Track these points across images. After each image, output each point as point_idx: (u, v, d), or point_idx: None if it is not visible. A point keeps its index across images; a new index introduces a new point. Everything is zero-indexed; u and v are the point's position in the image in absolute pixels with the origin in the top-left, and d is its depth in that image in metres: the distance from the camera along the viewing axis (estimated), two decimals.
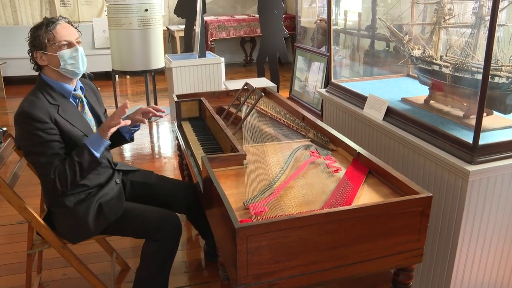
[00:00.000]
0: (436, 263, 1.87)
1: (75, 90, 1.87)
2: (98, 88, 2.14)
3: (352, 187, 1.52)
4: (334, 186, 1.55)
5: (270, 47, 5.32)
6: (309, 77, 5.13)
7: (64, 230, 1.88)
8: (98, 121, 1.97)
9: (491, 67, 1.60)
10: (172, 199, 2.12)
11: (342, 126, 2.57)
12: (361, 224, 1.33)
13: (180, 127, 2.52)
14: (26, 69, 6.29)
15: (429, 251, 1.87)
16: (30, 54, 1.80)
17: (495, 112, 1.97)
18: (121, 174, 2.06)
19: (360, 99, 2.39)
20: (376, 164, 1.61)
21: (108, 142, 1.80)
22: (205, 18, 6.22)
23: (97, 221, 1.85)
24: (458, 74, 1.95)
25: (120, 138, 2.03)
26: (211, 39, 6.88)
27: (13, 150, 2.00)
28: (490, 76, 1.63)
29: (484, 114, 1.67)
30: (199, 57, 4.71)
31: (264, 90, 2.72)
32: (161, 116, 1.97)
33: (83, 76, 1.93)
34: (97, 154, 1.77)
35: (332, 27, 2.77)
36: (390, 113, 2.14)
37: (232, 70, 7.44)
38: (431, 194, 1.38)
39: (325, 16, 5.22)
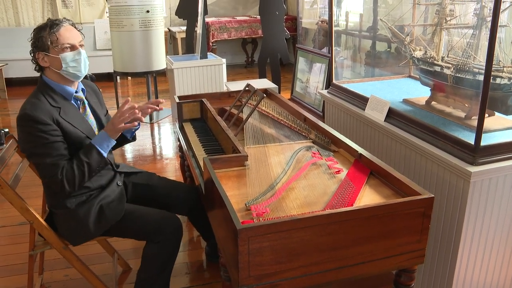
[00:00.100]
0: (438, 264, 1.86)
1: (76, 92, 1.87)
2: (100, 90, 2.14)
3: (354, 188, 1.52)
4: (336, 187, 1.55)
5: (272, 48, 5.32)
6: (310, 78, 5.13)
7: (65, 231, 1.88)
8: (99, 123, 1.97)
9: (492, 68, 1.60)
10: (174, 201, 2.12)
11: (344, 127, 2.57)
12: (363, 225, 1.33)
13: (181, 128, 2.53)
14: (28, 70, 6.28)
15: (431, 252, 1.87)
16: (32, 55, 1.80)
17: (496, 113, 1.97)
18: (122, 176, 2.06)
19: (361, 100, 2.39)
20: (378, 165, 1.60)
21: (115, 141, 1.81)
22: (207, 20, 6.22)
23: (98, 223, 1.85)
24: (459, 75, 1.95)
25: (122, 138, 2.03)
26: (212, 41, 6.89)
27: (15, 151, 2.00)
28: (491, 77, 1.63)
29: (486, 115, 1.66)
30: (201, 58, 4.71)
31: (265, 91, 2.72)
32: (161, 109, 1.94)
33: (85, 77, 1.93)
34: (105, 154, 1.78)
35: (334, 28, 2.78)
36: (392, 114, 2.14)
37: (234, 71, 7.44)
38: (433, 195, 1.37)
39: (326, 17, 5.23)
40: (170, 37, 7.53)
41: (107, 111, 2.10)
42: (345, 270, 1.36)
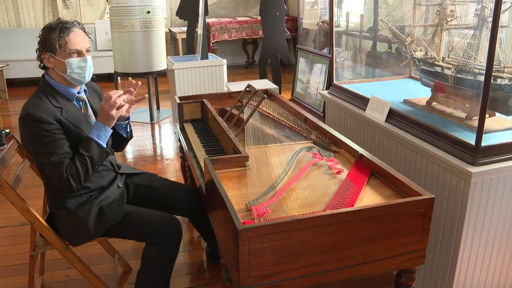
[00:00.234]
0: (438, 264, 1.86)
1: (78, 93, 1.88)
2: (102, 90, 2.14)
3: (355, 188, 1.52)
4: (337, 188, 1.55)
5: (272, 48, 5.33)
6: (311, 78, 5.13)
7: (65, 232, 1.88)
8: None
9: (493, 69, 1.60)
10: (175, 203, 2.12)
11: (344, 128, 2.57)
12: (364, 226, 1.33)
13: (182, 129, 2.53)
14: (29, 71, 6.38)
15: (431, 253, 1.87)
16: (38, 53, 1.80)
17: (497, 114, 1.97)
18: (124, 177, 2.06)
19: (362, 101, 2.39)
20: (378, 165, 1.61)
21: (111, 130, 1.81)
22: (207, 20, 6.23)
23: (98, 224, 1.85)
24: (460, 76, 1.95)
25: (119, 137, 2.02)
26: (213, 41, 6.89)
27: (16, 152, 2.00)
28: (492, 78, 1.63)
29: (487, 115, 1.66)
30: (201, 59, 4.72)
31: (266, 92, 2.72)
32: (139, 85, 1.89)
33: None
34: (104, 145, 1.78)
35: (334, 29, 2.78)
36: (392, 115, 2.14)
37: (234, 72, 7.44)
38: (434, 196, 1.38)
39: (327, 18, 5.23)
40: (171, 37, 7.54)
41: None
42: (346, 270, 1.36)
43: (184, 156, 2.66)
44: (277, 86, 4.62)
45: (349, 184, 1.55)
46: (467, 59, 1.93)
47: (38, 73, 1.85)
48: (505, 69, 1.80)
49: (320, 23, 5.41)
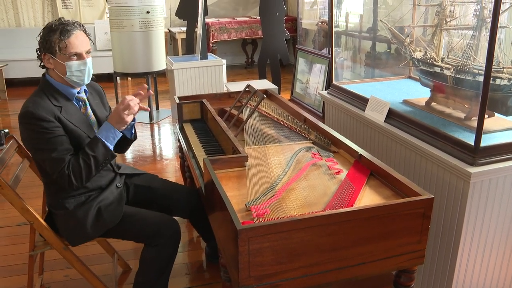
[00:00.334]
0: (437, 265, 1.86)
1: (78, 93, 1.88)
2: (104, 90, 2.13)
3: (354, 189, 1.52)
4: (336, 188, 1.55)
5: (272, 49, 5.33)
6: (310, 79, 5.13)
7: (64, 232, 1.88)
8: (100, 123, 1.97)
9: (492, 69, 1.60)
10: (175, 204, 2.12)
11: (344, 128, 2.57)
12: (363, 226, 1.33)
13: (181, 129, 2.53)
14: (28, 71, 6.38)
15: (430, 253, 1.87)
16: (38, 53, 1.80)
17: (496, 114, 1.98)
18: (123, 178, 2.06)
19: (361, 101, 2.39)
20: (378, 166, 1.61)
21: (121, 133, 1.81)
22: (207, 20, 6.23)
23: (96, 225, 1.84)
24: (459, 76, 1.96)
25: (122, 138, 2.01)
26: (212, 41, 6.89)
27: (15, 151, 2.00)
28: (491, 78, 1.63)
29: (486, 116, 1.67)
30: (201, 59, 4.72)
31: (265, 92, 2.72)
32: (149, 94, 1.91)
33: None
34: (111, 147, 1.78)
35: (334, 29, 2.78)
36: (392, 115, 2.14)
37: (234, 72, 7.45)
38: (433, 196, 1.38)
39: (326, 18, 5.24)
40: (170, 37, 7.54)
41: (110, 111, 2.09)
42: (345, 270, 1.36)
43: (184, 156, 2.66)
44: (276, 86, 4.62)
45: (348, 184, 1.55)
46: (466, 60, 1.93)
47: (38, 73, 1.85)
48: (504, 70, 1.80)
49: (320, 23, 5.41)
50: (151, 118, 5.05)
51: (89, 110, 1.93)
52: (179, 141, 2.58)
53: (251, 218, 1.36)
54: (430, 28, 2.24)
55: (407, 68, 2.75)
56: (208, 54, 4.93)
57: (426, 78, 2.21)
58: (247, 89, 2.43)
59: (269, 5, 5.18)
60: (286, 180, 1.60)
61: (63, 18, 1.82)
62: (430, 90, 2.21)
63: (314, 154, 1.83)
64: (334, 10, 2.91)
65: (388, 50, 3.65)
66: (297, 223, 1.25)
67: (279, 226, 1.24)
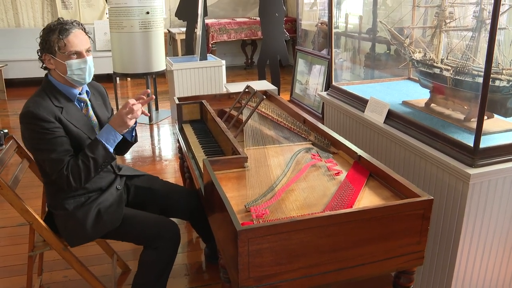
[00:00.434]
0: (437, 266, 1.87)
1: (80, 94, 1.88)
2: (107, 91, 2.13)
3: (353, 190, 1.52)
4: (335, 189, 1.55)
5: (271, 50, 5.33)
6: (310, 80, 5.14)
7: (63, 232, 1.88)
8: (102, 125, 1.96)
9: (492, 71, 1.60)
10: (175, 206, 2.12)
11: (343, 129, 2.57)
12: (362, 227, 1.33)
13: (181, 129, 2.53)
14: (28, 71, 6.38)
15: (430, 254, 1.87)
16: (39, 54, 1.80)
17: (495, 115, 1.98)
18: (123, 179, 2.06)
19: (361, 102, 2.40)
20: (377, 167, 1.61)
21: (121, 136, 1.81)
22: (206, 21, 6.22)
23: (96, 227, 1.84)
24: (459, 77, 1.96)
25: (122, 141, 2.01)
26: (212, 42, 6.90)
27: (14, 152, 2.00)
28: (491, 79, 1.64)
29: (485, 117, 1.67)
30: (200, 59, 4.72)
31: (265, 93, 2.72)
32: (151, 98, 1.92)
33: None
34: (111, 149, 1.78)
35: (333, 30, 2.78)
36: (391, 116, 2.14)
37: (233, 73, 7.45)
38: (432, 197, 1.38)
39: (326, 19, 5.24)
40: (170, 38, 7.54)
41: (112, 113, 2.09)
42: (345, 271, 1.36)
43: (183, 157, 2.66)
44: (276, 87, 4.63)
45: (347, 186, 1.56)
46: (466, 61, 1.93)
47: (37, 73, 1.85)
48: (503, 71, 1.80)
49: (319, 24, 5.42)
50: (150, 119, 5.05)
51: (91, 112, 1.93)
52: (178, 141, 2.58)
53: (251, 219, 1.36)
54: (430, 29, 2.24)
55: (406, 69, 2.75)
56: (207, 55, 4.93)
57: (425, 79, 2.21)
58: (246, 90, 2.43)
59: (269, 6, 5.18)
60: (286, 181, 1.60)
61: (62, 18, 1.82)
62: (429, 92, 2.21)
63: (314, 155, 1.83)
64: (334, 11, 2.92)
65: (388, 51, 3.65)
66: (297, 224, 1.26)
67: (279, 227, 1.24)
